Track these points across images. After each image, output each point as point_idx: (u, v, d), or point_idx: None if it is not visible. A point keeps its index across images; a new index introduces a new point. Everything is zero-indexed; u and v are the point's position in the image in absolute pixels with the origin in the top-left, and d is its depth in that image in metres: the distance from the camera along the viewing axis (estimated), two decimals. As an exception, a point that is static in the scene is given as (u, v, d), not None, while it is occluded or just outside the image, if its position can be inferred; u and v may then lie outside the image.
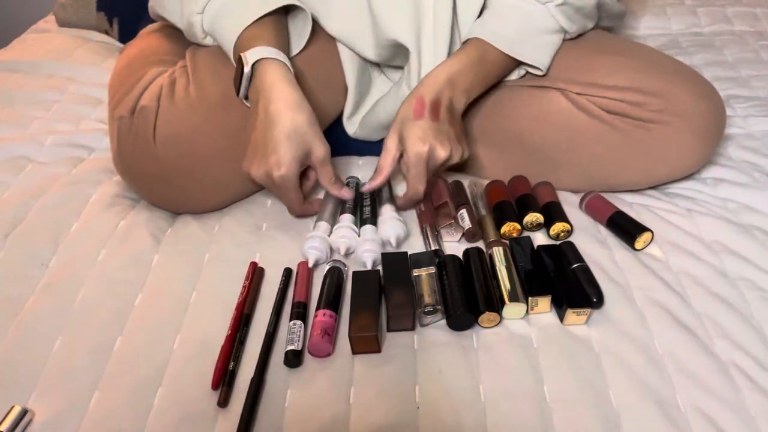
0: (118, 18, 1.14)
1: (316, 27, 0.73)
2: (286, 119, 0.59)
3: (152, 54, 0.72)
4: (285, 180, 0.61)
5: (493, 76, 0.69)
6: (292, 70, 0.63)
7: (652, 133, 0.65)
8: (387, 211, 0.67)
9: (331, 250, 0.65)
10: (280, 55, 0.62)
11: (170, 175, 0.65)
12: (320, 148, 0.62)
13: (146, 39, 0.76)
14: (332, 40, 0.75)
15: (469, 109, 0.72)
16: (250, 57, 0.61)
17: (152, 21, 0.79)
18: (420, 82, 0.66)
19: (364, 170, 0.78)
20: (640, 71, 0.66)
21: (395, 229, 0.64)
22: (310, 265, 0.62)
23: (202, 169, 0.65)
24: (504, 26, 0.67)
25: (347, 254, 0.65)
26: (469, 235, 0.65)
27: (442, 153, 0.62)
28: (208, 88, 0.65)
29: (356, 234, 0.65)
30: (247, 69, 0.61)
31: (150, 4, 0.73)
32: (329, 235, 0.65)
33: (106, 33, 1.17)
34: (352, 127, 0.79)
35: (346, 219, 0.66)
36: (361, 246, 0.62)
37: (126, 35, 1.13)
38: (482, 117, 0.73)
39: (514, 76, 0.71)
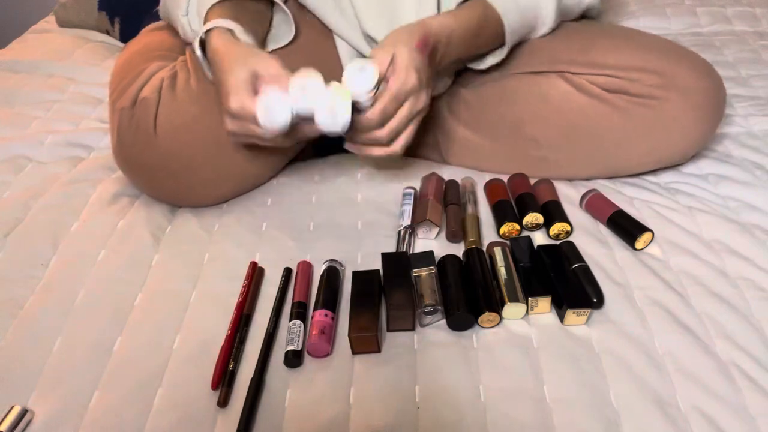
0: (120, 18, 1.14)
1: (313, 20, 0.74)
2: (228, 69, 0.57)
3: (154, 49, 0.73)
4: (243, 109, 0.56)
5: (474, 50, 0.68)
6: (243, 34, 0.61)
7: (652, 110, 0.65)
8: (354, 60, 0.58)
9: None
10: (222, 23, 0.60)
11: (171, 166, 0.65)
12: (268, 62, 0.57)
13: (148, 35, 0.77)
14: (328, 31, 0.75)
15: (469, 100, 0.72)
16: (197, 37, 0.61)
17: (153, 20, 0.79)
18: (427, 20, 0.62)
19: (364, 168, 0.78)
20: (640, 49, 0.66)
21: (366, 78, 0.56)
22: (272, 125, 0.55)
23: (203, 159, 0.65)
24: (517, 3, 0.66)
25: (304, 110, 0.55)
26: (450, 235, 0.65)
27: (424, 99, 0.60)
28: (208, 81, 0.66)
29: (321, 84, 0.55)
30: (198, 52, 0.61)
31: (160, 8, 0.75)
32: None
33: (107, 33, 1.17)
34: None
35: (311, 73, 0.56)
36: (326, 104, 0.54)
37: (127, 35, 1.13)
38: (483, 107, 0.73)
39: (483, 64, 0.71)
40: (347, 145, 0.63)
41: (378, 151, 0.62)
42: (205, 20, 0.63)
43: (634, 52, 0.66)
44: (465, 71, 0.76)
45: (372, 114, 0.58)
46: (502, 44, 0.68)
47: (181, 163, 0.65)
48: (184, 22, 0.67)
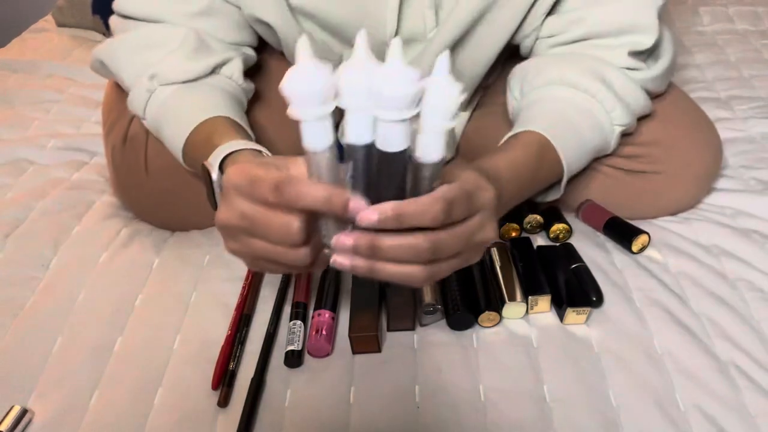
0: (114, 22, 1.14)
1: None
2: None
3: None
4: (250, 178, 0.38)
5: (529, 192, 0.56)
6: (257, 147, 0.49)
7: (647, 182, 0.64)
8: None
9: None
10: (250, 144, 0.49)
11: (164, 202, 0.65)
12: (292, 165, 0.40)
13: None
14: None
15: (470, 136, 0.71)
16: (213, 161, 0.47)
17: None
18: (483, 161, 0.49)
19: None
20: (641, 125, 0.63)
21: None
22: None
23: (196, 195, 0.64)
24: (580, 139, 0.56)
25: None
26: None
27: (490, 233, 0.42)
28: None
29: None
30: (215, 175, 0.47)
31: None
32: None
33: (104, 35, 1.17)
34: None
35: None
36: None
37: (123, 37, 1.13)
38: (481, 139, 0.72)
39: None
40: (339, 252, 0.37)
41: (398, 270, 0.38)
42: (192, 140, 0.53)
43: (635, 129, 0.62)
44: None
45: (439, 195, 0.36)
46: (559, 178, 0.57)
47: (174, 199, 0.65)
48: (143, 122, 0.59)
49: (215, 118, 0.53)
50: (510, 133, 0.55)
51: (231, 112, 0.55)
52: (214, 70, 0.58)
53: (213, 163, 0.48)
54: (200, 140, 0.52)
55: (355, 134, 0.35)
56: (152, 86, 0.56)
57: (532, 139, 0.53)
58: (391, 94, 0.32)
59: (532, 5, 0.57)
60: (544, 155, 0.53)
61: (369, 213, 0.35)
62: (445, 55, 0.33)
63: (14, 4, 1.66)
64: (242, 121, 0.55)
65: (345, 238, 0.37)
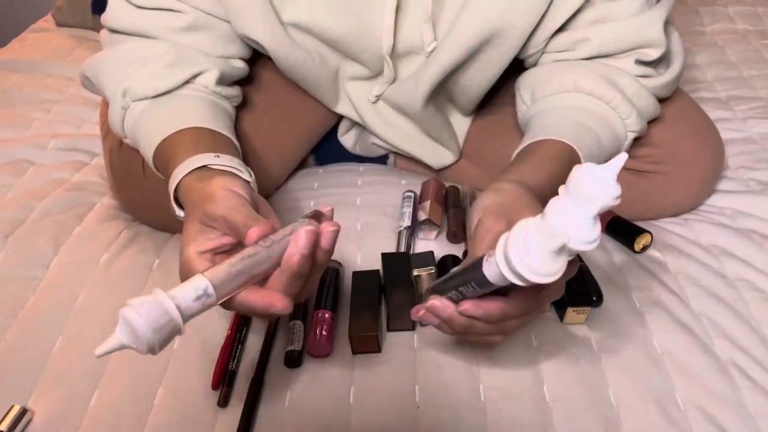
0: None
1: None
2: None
3: None
4: (230, 212, 0.41)
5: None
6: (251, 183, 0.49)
7: (649, 182, 0.64)
8: None
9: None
10: (189, 165, 0.47)
11: (163, 203, 0.64)
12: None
13: None
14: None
15: (470, 132, 0.71)
16: (170, 187, 0.48)
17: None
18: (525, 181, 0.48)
19: (364, 176, 0.78)
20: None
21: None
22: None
23: None
24: (599, 145, 0.56)
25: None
26: (450, 236, 0.65)
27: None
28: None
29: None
30: (179, 213, 0.49)
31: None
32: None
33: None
34: (349, 141, 0.78)
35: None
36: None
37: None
38: (483, 144, 0.72)
39: None
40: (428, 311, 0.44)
41: (476, 340, 0.45)
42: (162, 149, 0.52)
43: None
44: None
45: (502, 304, 0.41)
46: None
47: None
48: (124, 135, 0.59)
49: (175, 135, 0.51)
50: (531, 140, 0.53)
51: (202, 120, 0.53)
52: (188, 82, 0.57)
53: (170, 194, 0.48)
54: (162, 163, 0.51)
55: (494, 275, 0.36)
56: (126, 103, 0.55)
57: (563, 151, 0.52)
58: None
59: (536, 29, 0.56)
60: (572, 166, 0.52)
61: (440, 307, 0.43)
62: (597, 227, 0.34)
63: (14, 4, 1.67)
64: (216, 126, 0.53)
65: (434, 305, 0.43)
